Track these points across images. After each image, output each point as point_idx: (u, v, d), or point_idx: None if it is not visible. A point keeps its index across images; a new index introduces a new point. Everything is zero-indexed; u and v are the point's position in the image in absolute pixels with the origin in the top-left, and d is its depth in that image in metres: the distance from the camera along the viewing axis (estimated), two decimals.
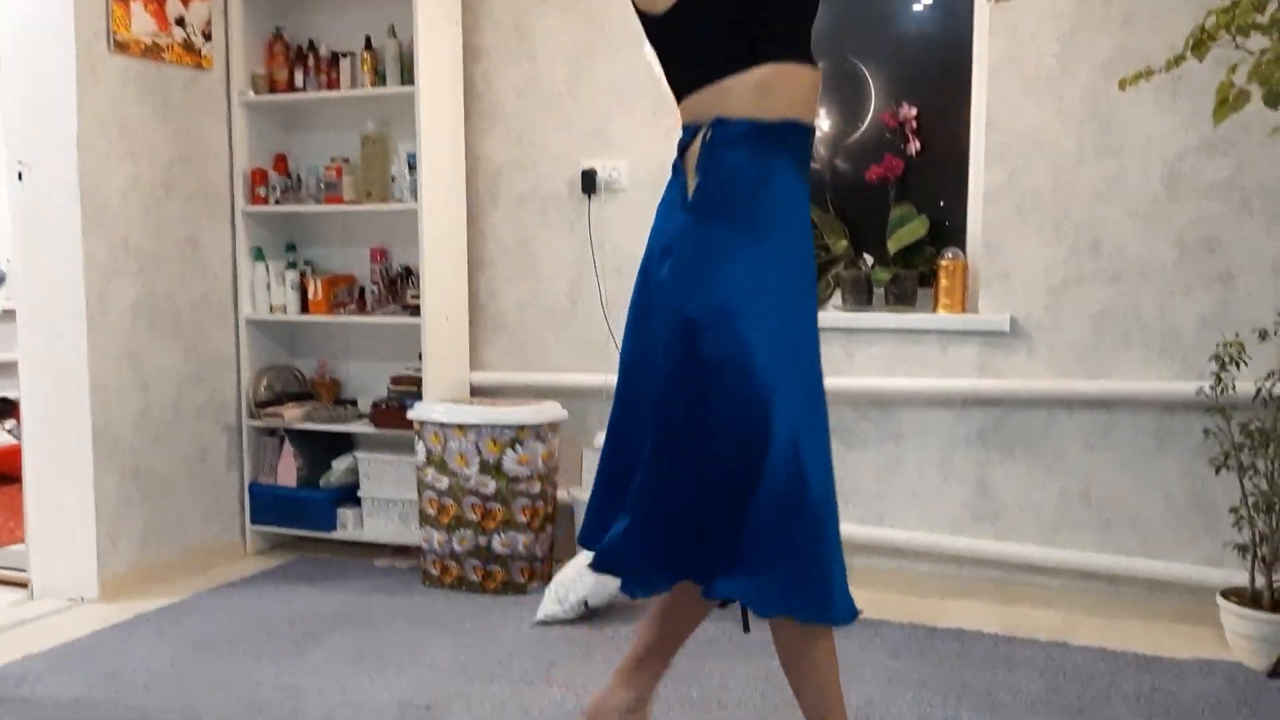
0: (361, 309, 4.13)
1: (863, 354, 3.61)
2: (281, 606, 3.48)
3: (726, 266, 1.89)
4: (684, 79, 1.98)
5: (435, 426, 3.61)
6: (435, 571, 3.68)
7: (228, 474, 4.09)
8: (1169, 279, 3.31)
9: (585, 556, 3.35)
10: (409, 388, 3.98)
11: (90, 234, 3.52)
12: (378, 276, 4.10)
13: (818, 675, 1.96)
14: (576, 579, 3.30)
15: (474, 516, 3.58)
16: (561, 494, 3.85)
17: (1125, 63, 3.21)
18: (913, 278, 3.61)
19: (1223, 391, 2.99)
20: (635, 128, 3.83)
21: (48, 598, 3.59)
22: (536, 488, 3.61)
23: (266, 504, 4.12)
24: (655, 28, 2.00)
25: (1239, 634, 2.95)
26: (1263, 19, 2.58)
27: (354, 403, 4.24)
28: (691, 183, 1.95)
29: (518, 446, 3.55)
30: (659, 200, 2.04)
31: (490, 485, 3.56)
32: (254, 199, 4.10)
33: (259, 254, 4.13)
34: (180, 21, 3.80)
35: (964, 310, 3.52)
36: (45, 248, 3.52)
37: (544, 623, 3.30)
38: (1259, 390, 2.98)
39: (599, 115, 3.89)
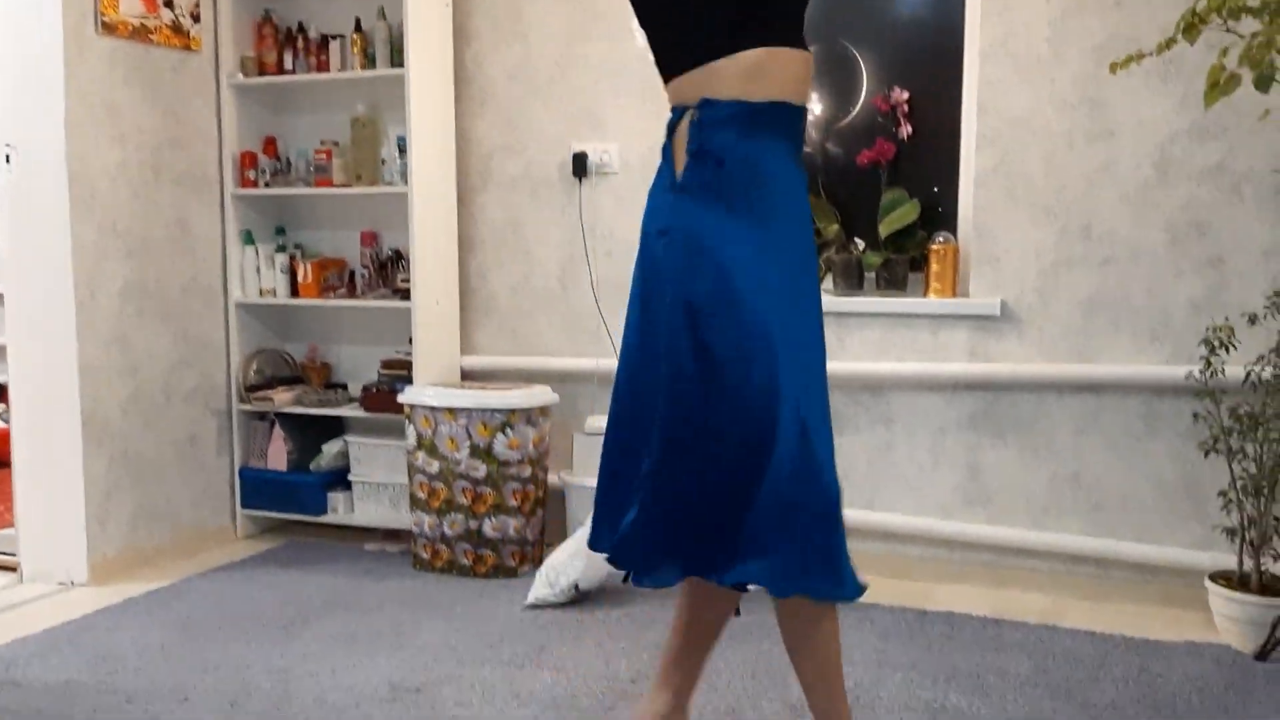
0: (352, 293, 4.12)
1: (854, 338, 3.62)
2: (272, 590, 3.48)
3: (727, 249, 1.88)
4: (673, 61, 1.97)
5: (426, 410, 3.61)
6: (426, 555, 3.68)
7: (218, 458, 4.09)
8: (1159, 263, 3.31)
9: (575, 541, 3.36)
10: (399, 372, 3.97)
11: (78, 217, 3.50)
12: (368, 260, 4.09)
13: (822, 654, 1.97)
14: (567, 563, 3.30)
15: (464, 500, 3.58)
16: (552, 478, 3.85)
17: (1116, 46, 3.20)
18: (904, 262, 3.61)
19: (1212, 375, 3.00)
20: (626, 111, 3.82)
21: (37, 582, 3.59)
22: (527, 472, 3.61)
23: (256, 488, 4.12)
24: (645, 9, 1.99)
25: (1227, 617, 2.96)
26: (1254, 2, 2.58)
27: (344, 387, 4.23)
28: (680, 164, 1.94)
29: (508, 430, 3.55)
30: (650, 184, 2.04)
31: (481, 469, 3.56)
32: (243, 182, 4.08)
33: (248, 237, 4.11)
34: (168, 3, 3.77)
35: (955, 294, 3.52)
36: (33, 231, 3.51)
37: (535, 606, 3.30)
38: (1248, 374, 2.98)
39: (590, 98, 3.88)
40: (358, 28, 3.95)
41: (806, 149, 3.63)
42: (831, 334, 3.62)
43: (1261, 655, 2.87)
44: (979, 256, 3.49)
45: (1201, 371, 3.01)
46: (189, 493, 3.96)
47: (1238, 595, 2.93)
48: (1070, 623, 3.15)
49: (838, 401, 3.62)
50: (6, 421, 3.78)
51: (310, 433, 4.16)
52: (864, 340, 3.61)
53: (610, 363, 3.77)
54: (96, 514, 3.60)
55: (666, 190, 1.98)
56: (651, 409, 1.96)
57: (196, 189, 3.96)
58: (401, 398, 3.70)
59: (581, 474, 3.73)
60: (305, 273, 4.07)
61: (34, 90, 3.46)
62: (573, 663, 2.86)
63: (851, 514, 3.62)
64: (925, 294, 3.56)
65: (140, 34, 3.68)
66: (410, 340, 3.86)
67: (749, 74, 1.89)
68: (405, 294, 3.89)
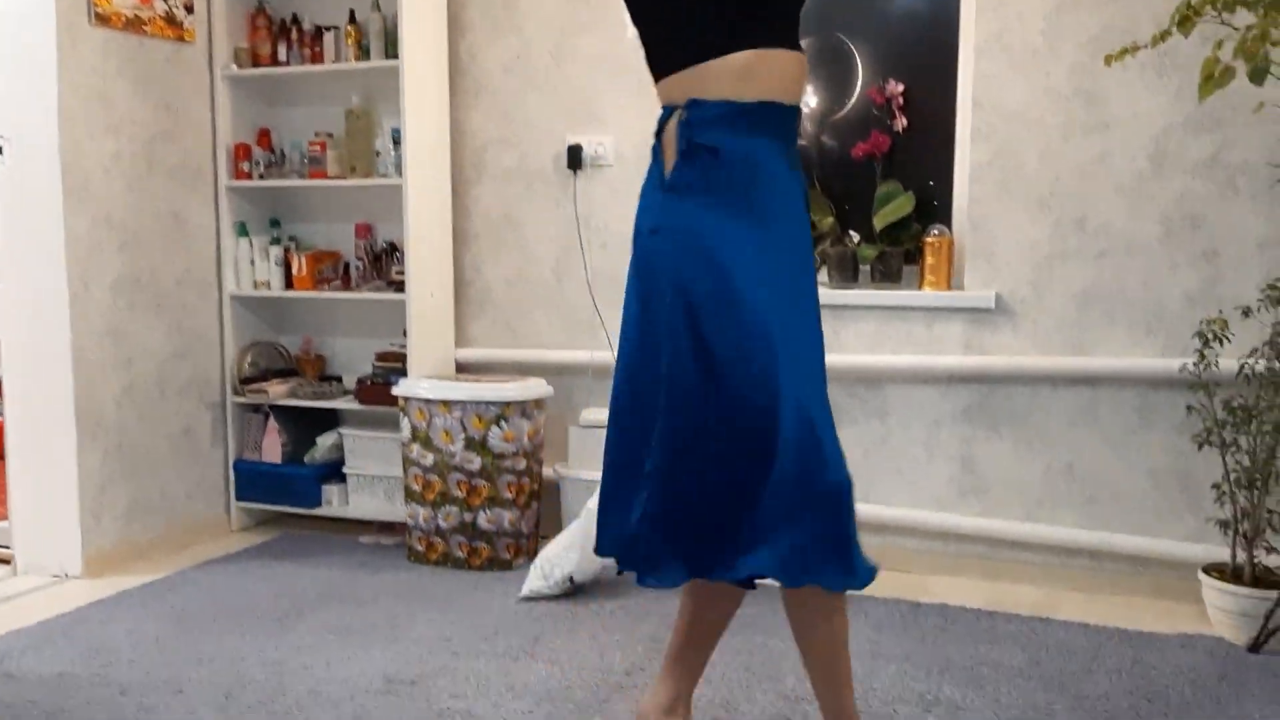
0: (346, 285, 4.11)
1: (848, 331, 3.62)
2: (266, 583, 3.48)
3: (726, 249, 1.88)
4: (664, 60, 1.97)
5: (420, 403, 3.61)
6: (420, 548, 3.68)
7: (212, 450, 4.08)
8: (1154, 256, 3.31)
9: (570, 534, 3.36)
10: (394, 364, 3.97)
11: (72, 209, 3.49)
12: (362, 252, 4.08)
13: (832, 644, 1.97)
14: (562, 555, 3.30)
15: (459, 493, 3.58)
16: (547, 470, 3.85)
17: (1111, 39, 3.20)
18: (899, 254, 3.61)
19: (1206, 368, 3.00)
20: (621, 103, 3.82)
21: (32, 574, 3.58)
22: (522, 464, 3.61)
23: (251, 480, 4.11)
24: (638, 8, 1.99)
25: (1220, 609, 2.97)
26: None
27: (339, 379, 4.23)
28: (669, 163, 1.94)
29: (503, 423, 3.55)
30: (644, 178, 2.04)
31: (475, 462, 3.56)
32: (237, 174, 4.07)
33: (243, 229, 4.10)
34: None
35: (949, 287, 3.53)
36: (26, 223, 3.50)
37: (529, 598, 3.30)
38: (1242, 367, 2.99)
39: (585, 90, 3.87)
40: (352, 19, 3.93)
41: (801, 142, 3.64)
42: (827, 327, 3.57)
43: (1254, 647, 2.88)
44: (974, 249, 3.49)
45: (1196, 364, 3.01)
46: (183, 485, 3.96)
47: (1231, 587, 2.93)
48: (1064, 615, 3.15)
49: (833, 394, 3.58)
50: (0, 414, 3.77)
51: (305, 425, 4.15)
52: (859, 333, 3.61)
53: (605, 355, 3.77)
54: (91, 506, 3.59)
55: (656, 189, 1.98)
56: (652, 407, 1.96)
57: (190, 181, 3.95)
58: (396, 390, 3.70)
59: (576, 466, 3.73)
60: (300, 265, 4.06)
61: (27, 81, 3.44)
62: (567, 655, 2.86)
63: None
64: (920, 287, 3.56)
65: (134, 25, 3.67)
66: (405, 333, 3.85)
67: (738, 75, 1.88)
68: (400, 286, 3.89)
